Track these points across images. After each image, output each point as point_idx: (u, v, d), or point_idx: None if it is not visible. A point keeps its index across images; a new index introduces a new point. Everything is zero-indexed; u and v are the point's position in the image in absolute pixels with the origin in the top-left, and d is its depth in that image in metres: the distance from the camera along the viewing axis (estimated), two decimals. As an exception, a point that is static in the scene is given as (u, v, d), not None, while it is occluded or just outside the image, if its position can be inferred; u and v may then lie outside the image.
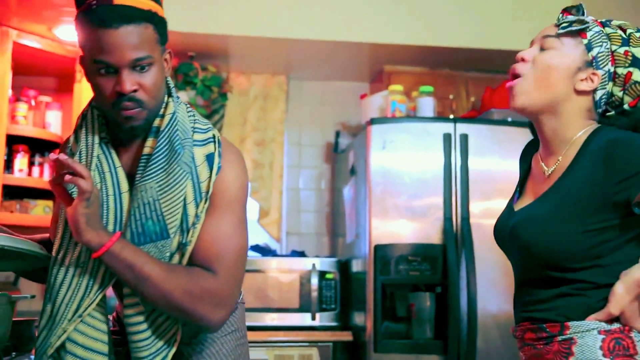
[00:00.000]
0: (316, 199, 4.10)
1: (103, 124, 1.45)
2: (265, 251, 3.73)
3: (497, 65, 3.71)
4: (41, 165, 3.40)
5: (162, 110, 1.43)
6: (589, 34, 1.43)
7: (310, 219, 4.08)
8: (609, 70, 1.41)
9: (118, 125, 1.39)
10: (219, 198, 1.42)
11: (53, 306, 1.36)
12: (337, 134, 3.96)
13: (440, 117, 3.49)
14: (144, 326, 1.37)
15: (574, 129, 1.43)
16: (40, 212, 3.27)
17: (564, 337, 1.35)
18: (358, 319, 3.29)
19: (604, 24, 1.45)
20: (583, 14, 1.44)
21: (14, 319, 1.66)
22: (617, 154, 1.32)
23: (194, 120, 1.48)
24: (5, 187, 3.14)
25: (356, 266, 3.38)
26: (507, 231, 1.48)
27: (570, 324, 1.35)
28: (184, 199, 1.39)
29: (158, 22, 1.37)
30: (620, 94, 1.42)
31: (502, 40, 3.54)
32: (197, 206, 1.40)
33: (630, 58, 1.40)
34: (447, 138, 3.17)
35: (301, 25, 3.50)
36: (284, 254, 3.87)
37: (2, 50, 3.05)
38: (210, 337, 1.52)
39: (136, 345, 1.36)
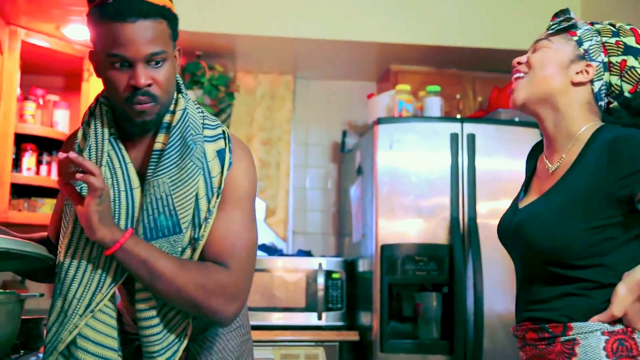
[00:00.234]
0: (323, 199, 4.10)
1: (111, 120, 1.45)
2: (271, 250, 3.73)
3: (505, 65, 3.69)
4: (49, 164, 3.41)
5: (172, 106, 1.44)
6: (578, 32, 1.47)
7: (317, 218, 4.08)
8: (603, 60, 1.45)
9: (129, 120, 1.40)
10: (229, 193, 1.43)
11: (64, 301, 1.36)
12: (344, 134, 3.96)
13: (448, 117, 3.48)
14: (156, 321, 1.37)
15: (577, 123, 1.45)
16: (47, 210, 3.28)
17: (566, 337, 1.35)
18: (364, 318, 3.29)
19: (593, 23, 1.49)
20: (569, 14, 1.49)
21: (22, 318, 1.66)
22: (620, 151, 1.33)
23: (203, 116, 1.49)
24: (13, 185, 3.15)
25: (362, 266, 3.38)
26: (510, 229, 1.49)
27: (573, 324, 1.35)
28: (196, 194, 1.40)
29: (171, 19, 1.39)
30: (618, 82, 1.44)
31: (510, 40, 3.54)
32: (209, 201, 1.41)
33: (622, 46, 1.43)
34: (454, 138, 3.17)
35: (308, 25, 3.50)
36: (290, 254, 3.87)
37: (10, 49, 3.06)
38: (216, 334, 1.53)
39: (148, 339, 1.37)
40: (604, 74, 1.44)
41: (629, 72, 1.42)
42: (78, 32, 3.15)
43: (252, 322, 3.25)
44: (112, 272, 1.38)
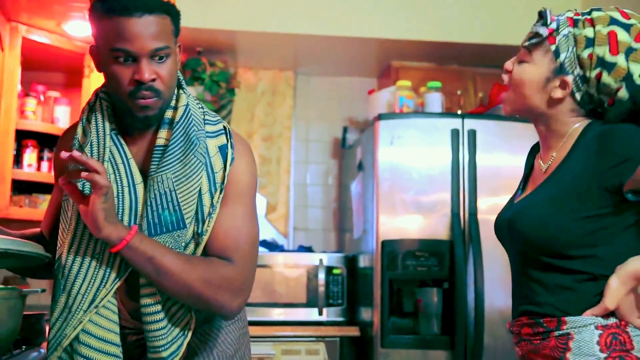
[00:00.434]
0: (323, 195, 4.11)
1: (112, 115, 1.45)
2: (272, 246, 3.73)
3: (505, 61, 3.69)
4: (50, 160, 3.41)
5: (173, 102, 1.45)
6: (557, 38, 1.44)
7: (318, 214, 4.08)
8: (579, 73, 1.43)
9: (131, 115, 1.40)
10: (232, 189, 1.45)
11: (68, 297, 1.37)
12: (345, 130, 3.96)
13: (448, 113, 3.48)
14: (161, 315, 1.38)
15: (567, 124, 1.47)
16: (49, 206, 3.29)
17: (560, 332, 1.36)
18: (365, 314, 3.29)
19: (575, 22, 1.44)
20: (547, 20, 1.46)
21: (24, 313, 1.67)
22: (609, 142, 1.34)
23: (203, 112, 1.50)
24: (14, 181, 3.15)
25: (363, 262, 3.38)
26: (505, 223, 1.50)
27: (567, 319, 1.35)
28: (199, 190, 1.40)
29: (174, 15, 1.40)
30: (596, 94, 1.43)
31: (511, 36, 3.53)
32: (211, 197, 1.41)
33: (596, 60, 1.40)
34: (455, 134, 3.17)
35: (309, 21, 3.50)
36: (291, 250, 3.87)
37: (11, 45, 3.06)
38: (215, 327, 1.54)
39: (153, 334, 1.37)
40: (582, 86, 1.43)
41: (604, 88, 1.41)
42: (79, 29, 3.14)
43: (254, 318, 3.27)
44: (115, 267, 1.38)
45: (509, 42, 3.53)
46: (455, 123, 3.18)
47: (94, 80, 3.29)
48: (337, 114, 4.13)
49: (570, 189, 1.37)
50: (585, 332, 1.33)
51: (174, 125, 1.41)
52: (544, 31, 1.45)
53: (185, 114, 1.43)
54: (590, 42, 1.41)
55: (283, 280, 3.44)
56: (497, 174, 3.14)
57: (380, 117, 3.21)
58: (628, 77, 1.38)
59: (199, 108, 1.49)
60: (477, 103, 3.78)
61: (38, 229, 1.64)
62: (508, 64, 1.53)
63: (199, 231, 1.41)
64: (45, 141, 3.39)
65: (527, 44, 1.48)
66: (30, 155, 3.31)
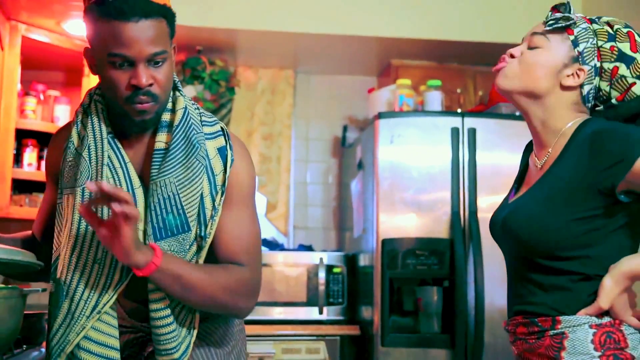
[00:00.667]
0: (323, 193, 4.11)
1: (107, 118, 1.44)
2: (272, 245, 3.73)
3: (505, 59, 3.69)
4: (50, 159, 3.41)
5: (170, 104, 1.44)
6: (575, 30, 1.45)
7: (318, 213, 4.08)
8: (595, 65, 1.44)
9: (128, 118, 1.39)
10: (235, 192, 1.46)
11: (71, 303, 1.36)
12: (345, 128, 3.96)
13: (448, 111, 3.48)
14: (171, 319, 1.38)
15: (562, 120, 1.46)
16: (49, 205, 3.29)
17: (555, 331, 1.36)
18: (365, 313, 3.29)
19: (592, 21, 1.47)
20: (570, 11, 1.47)
21: (24, 312, 1.67)
22: (601, 143, 1.34)
23: (199, 113, 1.49)
24: (14, 181, 3.15)
25: (363, 260, 3.38)
26: (499, 223, 1.51)
27: (561, 318, 1.36)
28: (201, 193, 1.40)
29: (170, 17, 1.38)
30: (607, 88, 1.44)
31: (510, 34, 3.52)
32: (213, 199, 1.42)
33: (617, 53, 1.42)
34: (454, 132, 3.17)
35: (309, 19, 3.50)
36: (291, 248, 3.87)
37: (11, 44, 3.06)
38: (213, 324, 1.55)
39: (164, 337, 1.37)
40: (594, 79, 1.44)
41: (619, 81, 1.42)
42: (79, 28, 3.14)
43: (254, 317, 3.27)
44: (117, 273, 1.38)
45: (509, 40, 3.52)
46: (455, 121, 3.18)
47: (93, 79, 3.27)
48: (337, 112, 4.13)
49: (562, 190, 1.38)
50: (579, 331, 1.34)
51: (173, 128, 1.40)
52: (574, 15, 1.46)
53: (185, 117, 1.42)
54: (612, 37, 1.43)
55: (283, 279, 3.44)
56: (497, 173, 3.14)
57: (380, 115, 3.20)
58: None
59: (195, 109, 1.49)
60: (477, 101, 3.78)
61: (29, 232, 1.62)
62: (514, 50, 1.50)
63: (202, 234, 1.41)
64: (45, 140, 3.38)
65: (548, 27, 1.46)
66: (30, 155, 3.31)
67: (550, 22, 1.47)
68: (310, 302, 3.41)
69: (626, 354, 1.31)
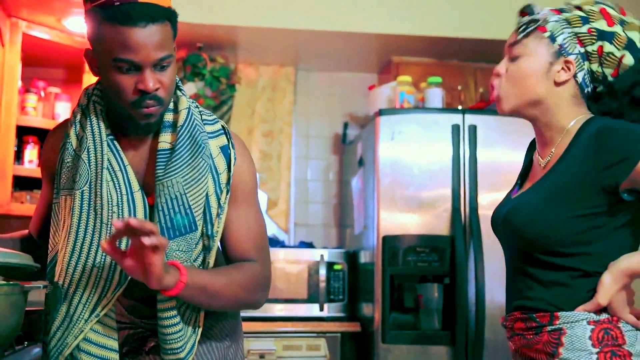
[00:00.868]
0: (324, 190, 4.11)
1: (106, 119, 1.43)
2: (273, 242, 3.73)
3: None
4: (51, 156, 3.41)
5: (172, 104, 1.43)
6: (548, 27, 1.46)
7: (318, 210, 4.08)
8: (580, 51, 1.45)
9: (133, 122, 1.38)
10: (240, 191, 1.47)
11: (69, 306, 1.36)
12: (345, 125, 3.96)
13: (449, 108, 3.48)
14: (177, 319, 1.38)
15: (566, 117, 1.47)
16: (50, 202, 3.29)
17: (553, 327, 1.37)
18: (366, 309, 3.30)
19: (561, 10, 1.48)
20: (532, 12, 1.49)
21: (26, 309, 1.67)
22: (606, 141, 1.35)
23: (199, 112, 1.49)
24: (15, 177, 3.16)
25: (364, 257, 3.38)
26: (501, 218, 1.51)
27: (559, 314, 1.36)
28: (207, 192, 1.41)
29: (174, 19, 1.38)
30: (599, 69, 1.46)
31: (511, 31, 3.52)
32: (218, 198, 1.42)
33: (595, 33, 1.43)
34: (455, 129, 3.17)
35: (309, 16, 3.49)
36: (292, 245, 3.88)
37: (12, 41, 3.06)
38: (213, 320, 1.56)
39: (171, 337, 1.37)
40: (584, 64, 1.45)
41: (608, 58, 1.44)
42: (79, 25, 3.14)
43: (255, 314, 3.27)
44: (116, 276, 1.38)
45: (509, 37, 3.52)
46: (456, 118, 3.18)
47: (94, 76, 3.29)
48: (338, 109, 4.13)
49: (566, 187, 1.38)
50: (577, 328, 1.34)
51: (178, 128, 1.40)
52: (540, 15, 1.47)
53: (189, 117, 1.42)
54: (586, 20, 1.44)
55: (284, 276, 3.44)
56: (498, 169, 3.14)
57: (380, 112, 3.20)
58: (631, 44, 1.42)
59: (195, 108, 1.49)
60: (477, 98, 3.78)
61: (26, 231, 1.62)
62: (500, 67, 1.52)
63: (209, 233, 1.41)
64: (45, 137, 3.39)
65: (520, 35, 1.49)
66: (31, 152, 3.31)
67: (521, 28, 1.49)
68: (311, 299, 3.42)
69: (624, 351, 1.31)
